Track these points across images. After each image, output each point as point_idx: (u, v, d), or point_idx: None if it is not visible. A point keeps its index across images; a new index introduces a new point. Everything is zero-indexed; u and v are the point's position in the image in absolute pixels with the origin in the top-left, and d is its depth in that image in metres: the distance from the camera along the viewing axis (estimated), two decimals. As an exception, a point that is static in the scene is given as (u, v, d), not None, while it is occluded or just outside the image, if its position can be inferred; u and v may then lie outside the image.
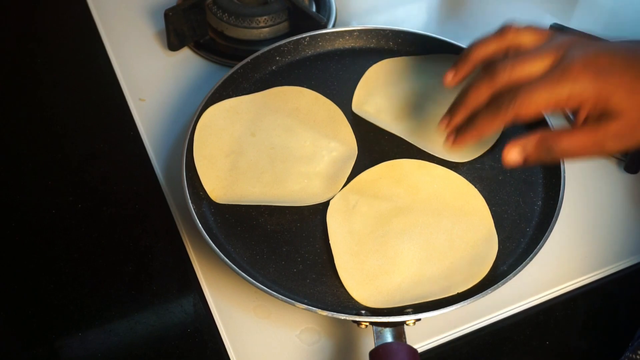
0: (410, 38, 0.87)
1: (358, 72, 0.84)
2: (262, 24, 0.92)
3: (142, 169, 0.82)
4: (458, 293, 0.67)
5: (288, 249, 0.71)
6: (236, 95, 0.82)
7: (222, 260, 0.67)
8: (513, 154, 0.60)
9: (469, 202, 0.73)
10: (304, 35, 0.86)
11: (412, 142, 0.78)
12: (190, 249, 0.75)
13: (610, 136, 0.57)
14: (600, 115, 0.57)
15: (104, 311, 0.72)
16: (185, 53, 0.93)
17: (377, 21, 0.99)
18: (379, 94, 0.82)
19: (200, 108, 0.78)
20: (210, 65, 0.92)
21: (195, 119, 0.78)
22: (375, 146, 0.79)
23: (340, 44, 0.88)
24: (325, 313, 0.64)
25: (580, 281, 0.74)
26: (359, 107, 0.81)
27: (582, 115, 0.58)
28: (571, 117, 0.83)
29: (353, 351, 0.68)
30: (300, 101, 0.81)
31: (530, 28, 0.64)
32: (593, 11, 1.00)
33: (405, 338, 0.63)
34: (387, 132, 0.79)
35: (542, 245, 0.69)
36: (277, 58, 0.86)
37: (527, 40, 0.63)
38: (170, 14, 0.89)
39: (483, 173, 0.77)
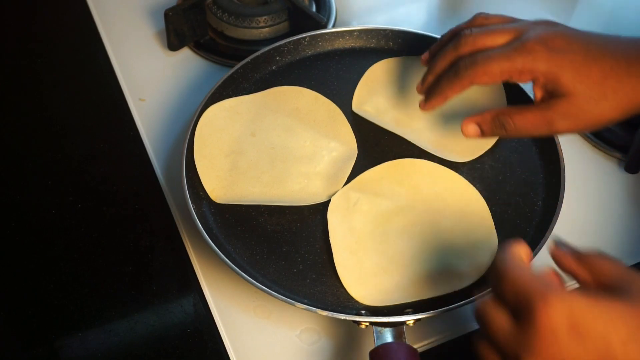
0: (410, 38, 0.87)
1: (358, 72, 0.84)
2: (262, 24, 0.92)
3: (142, 169, 0.82)
4: (456, 291, 0.67)
5: (288, 249, 0.71)
6: (236, 95, 0.82)
7: (222, 260, 0.67)
8: (470, 128, 0.66)
9: (470, 203, 0.73)
10: (304, 35, 0.86)
11: (412, 142, 0.78)
12: (190, 249, 0.75)
13: (560, 115, 0.61)
14: (552, 94, 0.62)
15: (104, 311, 0.72)
16: (185, 53, 0.93)
17: (377, 21, 0.99)
18: (379, 93, 0.82)
19: (200, 108, 0.78)
20: (210, 65, 0.92)
21: (195, 119, 0.77)
22: (375, 146, 0.79)
23: (340, 44, 0.88)
24: (325, 313, 0.64)
25: (580, 281, 0.74)
26: (359, 107, 0.81)
27: (537, 93, 0.63)
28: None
29: (353, 351, 0.69)
30: (300, 101, 0.81)
31: (499, 15, 0.68)
32: (593, 11, 1.00)
33: (405, 338, 0.63)
34: (387, 132, 0.79)
35: (542, 245, 0.69)
36: (277, 58, 0.86)
37: (494, 22, 0.68)
38: (170, 14, 0.89)
39: (483, 173, 0.77)
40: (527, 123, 0.63)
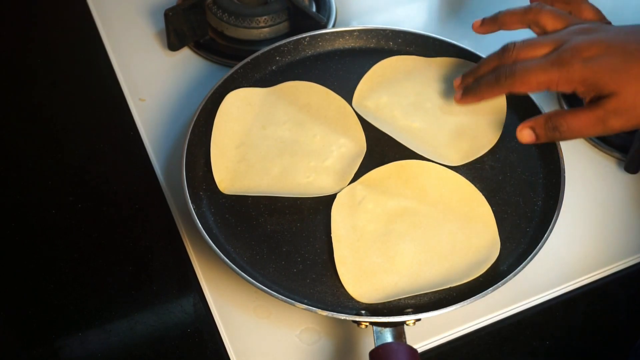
0: (410, 38, 0.87)
1: (358, 72, 0.84)
2: (262, 24, 0.92)
3: (142, 169, 0.82)
4: (455, 291, 0.67)
5: (288, 249, 0.71)
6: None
7: (222, 260, 0.67)
8: (524, 133, 0.67)
9: (475, 208, 0.73)
10: (304, 35, 0.86)
11: (406, 145, 0.77)
12: (190, 249, 0.75)
13: (610, 112, 0.62)
14: (600, 96, 0.63)
15: (104, 311, 0.72)
16: (185, 53, 0.93)
17: (377, 21, 0.99)
18: (380, 92, 0.82)
19: (201, 107, 0.78)
20: (210, 65, 0.92)
21: (194, 119, 0.77)
22: (384, 145, 0.78)
23: (340, 44, 0.88)
24: (325, 313, 0.64)
25: (580, 281, 0.74)
26: (359, 102, 0.81)
27: (586, 98, 0.65)
28: (565, 106, 0.86)
29: (353, 351, 0.69)
30: (311, 97, 0.81)
31: (551, 11, 0.70)
32: (593, 11, 1.00)
33: (405, 338, 0.63)
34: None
35: (543, 245, 0.69)
36: (277, 58, 0.86)
37: (545, 20, 0.70)
38: (170, 14, 0.89)
39: (483, 173, 0.77)
40: (580, 124, 0.64)
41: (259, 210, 0.73)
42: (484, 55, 0.73)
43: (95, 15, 0.97)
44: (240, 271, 0.67)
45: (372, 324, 0.64)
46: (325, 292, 0.68)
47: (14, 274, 0.74)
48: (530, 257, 0.68)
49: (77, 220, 0.78)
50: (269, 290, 0.65)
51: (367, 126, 0.79)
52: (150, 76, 0.90)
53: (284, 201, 0.73)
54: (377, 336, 0.63)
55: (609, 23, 0.73)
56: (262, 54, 0.84)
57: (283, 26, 0.93)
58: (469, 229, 0.71)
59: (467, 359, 0.69)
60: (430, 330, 0.69)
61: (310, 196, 0.73)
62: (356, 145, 0.77)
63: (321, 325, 0.70)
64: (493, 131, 0.79)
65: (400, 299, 0.67)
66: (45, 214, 0.79)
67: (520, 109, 0.80)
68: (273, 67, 0.85)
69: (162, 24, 0.91)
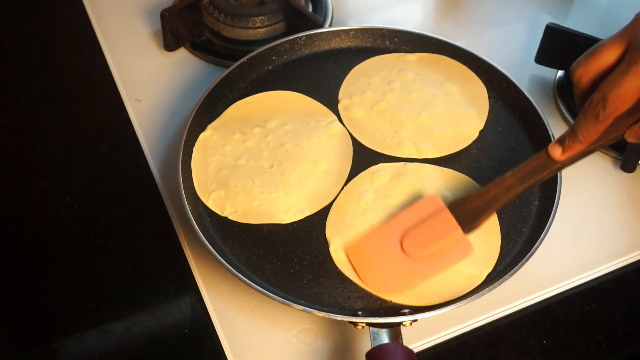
0: (406, 37, 0.87)
1: (355, 72, 0.84)
2: (258, 24, 0.92)
3: (138, 169, 0.82)
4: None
5: (284, 250, 0.71)
6: (232, 95, 0.82)
7: (219, 261, 0.67)
8: (555, 150, 0.65)
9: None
10: (300, 34, 0.86)
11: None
12: (187, 250, 0.75)
13: None
14: None
15: (101, 312, 0.72)
16: (182, 53, 0.93)
17: (373, 20, 0.99)
18: (360, 91, 0.83)
19: (198, 107, 0.78)
20: (206, 66, 0.91)
21: (191, 119, 0.77)
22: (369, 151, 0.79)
23: (336, 44, 0.88)
24: (321, 314, 0.64)
25: (577, 280, 0.74)
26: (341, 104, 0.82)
27: None
28: (563, 107, 0.85)
29: (350, 352, 0.69)
30: (291, 107, 0.81)
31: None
32: (589, 11, 1.00)
33: (401, 339, 0.63)
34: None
35: (539, 244, 0.69)
36: (274, 58, 0.86)
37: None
38: (167, 14, 0.89)
39: (480, 173, 0.77)
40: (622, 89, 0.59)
41: (256, 210, 0.73)
42: (480, 55, 0.72)
43: (92, 15, 0.97)
44: (236, 272, 0.66)
45: (369, 324, 0.64)
46: (322, 293, 0.68)
47: (11, 275, 0.74)
48: (527, 256, 0.68)
49: (74, 221, 0.78)
50: (266, 292, 0.65)
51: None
52: (146, 76, 0.90)
53: (281, 202, 0.74)
54: (374, 337, 0.63)
55: None
56: (258, 53, 0.84)
57: (279, 26, 0.93)
58: (472, 234, 0.71)
59: (464, 359, 0.69)
60: (427, 330, 0.69)
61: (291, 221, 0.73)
62: (343, 155, 0.78)
63: (318, 325, 0.70)
64: (475, 122, 0.80)
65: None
66: (42, 214, 0.79)
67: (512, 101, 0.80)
68: (269, 67, 0.85)
69: (159, 25, 0.91)
